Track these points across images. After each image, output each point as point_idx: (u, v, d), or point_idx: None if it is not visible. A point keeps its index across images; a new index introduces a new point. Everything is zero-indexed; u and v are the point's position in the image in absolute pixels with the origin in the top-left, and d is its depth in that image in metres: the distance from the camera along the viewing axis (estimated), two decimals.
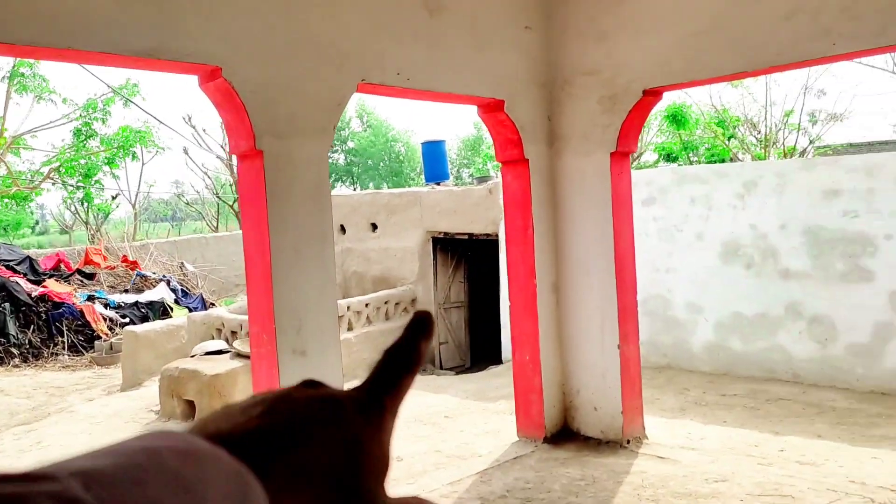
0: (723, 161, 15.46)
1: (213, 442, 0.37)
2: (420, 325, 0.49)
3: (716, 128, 16.33)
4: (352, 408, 0.44)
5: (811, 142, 17.82)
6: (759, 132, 17.44)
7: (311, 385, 0.46)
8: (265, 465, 0.38)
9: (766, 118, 17.02)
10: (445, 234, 10.55)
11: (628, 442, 5.64)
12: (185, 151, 25.15)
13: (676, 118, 15.96)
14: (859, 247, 7.16)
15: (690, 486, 4.74)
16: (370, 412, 0.45)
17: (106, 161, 17.97)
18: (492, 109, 5.56)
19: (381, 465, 0.44)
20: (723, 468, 5.09)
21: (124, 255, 16.11)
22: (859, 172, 7.15)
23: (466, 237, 10.37)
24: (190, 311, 13.08)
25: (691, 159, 17.00)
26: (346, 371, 8.56)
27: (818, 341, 7.46)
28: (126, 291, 14.73)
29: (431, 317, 0.50)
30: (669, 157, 17.23)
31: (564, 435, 5.90)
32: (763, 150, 16.37)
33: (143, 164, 24.81)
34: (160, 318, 12.71)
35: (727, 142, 16.53)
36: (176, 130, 28.13)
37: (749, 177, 7.90)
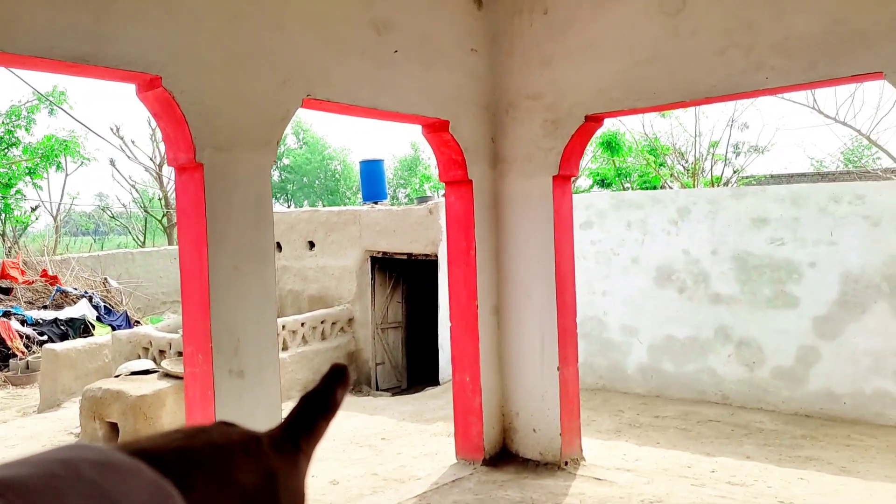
0: (654, 188, 15.92)
1: (134, 456, 0.36)
2: (337, 375, 0.51)
3: (648, 155, 16.83)
4: (268, 444, 0.45)
5: (735, 172, 18.55)
6: (687, 161, 18.05)
7: (226, 425, 0.46)
8: (187, 479, 0.37)
9: (694, 148, 17.65)
10: (384, 253, 10.47)
11: (566, 463, 5.66)
12: (112, 163, 24.33)
13: (611, 145, 16.37)
14: (785, 273, 7.44)
15: None
16: (285, 451, 0.46)
17: (28, 171, 17.18)
18: (436, 129, 5.56)
19: (297, 499, 0.44)
20: (658, 489, 5.16)
21: (44, 270, 15.37)
22: (786, 202, 7.45)
23: (405, 257, 10.31)
24: (113, 328, 12.55)
25: (624, 186, 17.45)
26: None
27: (746, 364, 7.70)
28: (45, 307, 14.04)
29: (347, 368, 0.52)
30: (603, 183, 17.63)
31: (503, 457, 5.88)
32: (691, 179, 16.94)
33: (67, 175, 23.86)
34: (81, 336, 12.14)
35: (658, 169, 17.04)
36: (105, 139, 27.14)
37: (683, 203, 8.13)
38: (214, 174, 3.91)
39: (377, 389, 10.32)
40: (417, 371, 11.18)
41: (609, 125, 16.77)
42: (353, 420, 8.00)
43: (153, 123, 25.57)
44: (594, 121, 5.53)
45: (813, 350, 7.29)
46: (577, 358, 5.96)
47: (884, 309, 6.91)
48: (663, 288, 8.23)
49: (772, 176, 19.87)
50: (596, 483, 5.33)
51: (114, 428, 7.17)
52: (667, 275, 8.20)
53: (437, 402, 8.76)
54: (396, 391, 10.39)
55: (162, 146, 24.35)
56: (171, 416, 7.22)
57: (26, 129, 16.41)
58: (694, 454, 6.23)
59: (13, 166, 16.81)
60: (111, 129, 25.64)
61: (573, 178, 5.93)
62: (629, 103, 5.22)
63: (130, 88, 3.89)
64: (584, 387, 7.81)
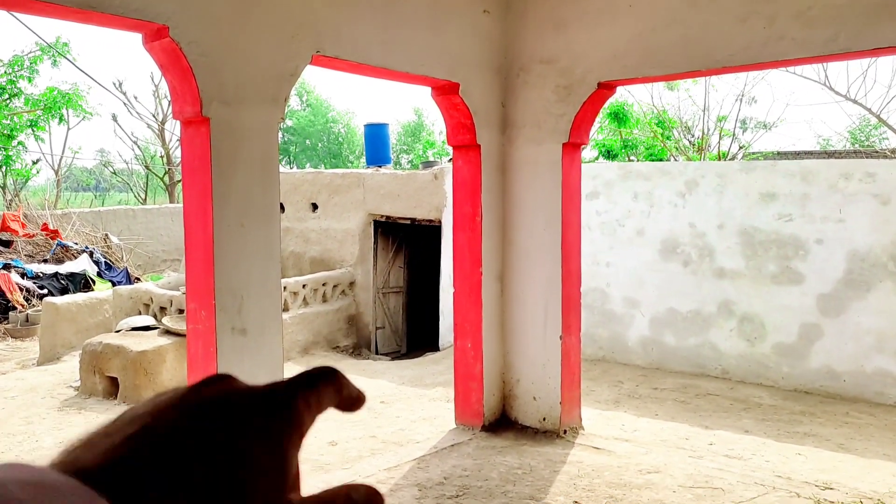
0: (660, 161, 15.80)
1: (70, 473, 0.33)
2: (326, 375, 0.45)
3: (655, 127, 16.66)
4: (253, 409, 0.40)
5: (741, 148, 18.39)
6: (694, 136, 17.88)
7: (219, 380, 0.42)
8: (130, 495, 0.34)
9: (701, 122, 17.47)
10: (388, 217, 10.41)
11: (565, 432, 5.68)
12: (115, 118, 24.12)
13: (618, 116, 16.18)
14: (791, 249, 7.39)
15: (625, 477, 4.79)
16: (280, 408, 0.41)
17: (30, 123, 17.02)
18: (446, 92, 5.46)
19: (277, 472, 0.39)
20: (655, 459, 5.17)
21: (44, 223, 15.31)
22: (795, 178, 7.37)
23: (409, 222, 10.25)
24: (114, 284, 12.54)
25: (630, 158, 17.31)
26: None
27: (748, 339, 7.69)
28: (45, 261, 14.02)
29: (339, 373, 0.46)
30: (609, 155, 17.48)
31: (502, 423, 5.89)
32: (697, 154, 16.79)
33: (69, 128, 23.68)
34: (81, 291, 12.13)
35: (664, 142, 16.89)
36: (108, 89, 26.86)
37: (691, 176, 8.05)
38: (221, 129, 3.84)
39: (377, 353, 10.34)
40: (417, 337, 11.20)
41: (618, 95, 16.58)
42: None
43: (156, 79, 25.29)
44: (607, 88, 5.43)
45: (815, 327, 7.28)
46: (580, 328, 5.93)
47: (889, 288, 6.87)
48: (668, 261, 8.19)
49: (778, 153, 19.70)
50: (594, 452, 5.34)
51: (113, 382, 7.19)
52: (672, 248, 8.15)
53: (436, 367, 8.78)
54: (396, 356, 10.42)
55: (165, 103, 24.13)
56: (172, 373, 7.23)
57: (28, 80, 16.20)
58: (692, 426, 6.25)
59: (15, 118, 16.64)
60: (114, 84, 25.40)
61: (582, 147, 5.85)
62: (644, 71, 5.11)
63: (136, 39, 3.80)
64: (584, 357, 7.81)
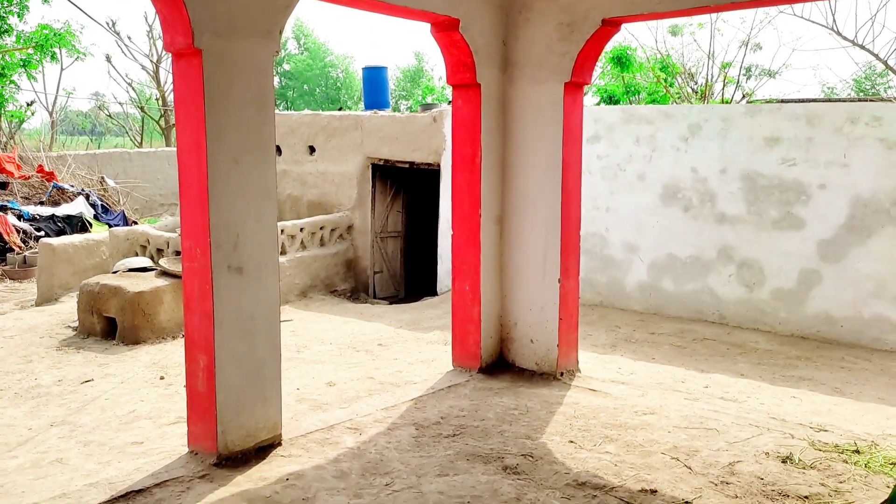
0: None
1: None
2: None
3: (659, 72, 16.37)
4: None
5: (745, 96, 18.12)
6: (697, 83, 17.59)
7: None
8: None
9: (706, 69, 17.16)
10: (386, 161, 10.29)
11: (562, 374, 5.70)
12: (108, 59, 23.70)
13: (621, 60, 15.90)
14: (794, 195, 7.32)
15: (621, 418, 4.82)
16: None
17: (22, 62, 16.68)
18: (445, 28, 5.31)
19: None
20: (651, 402, 5.20)
21: (40, 165, 15.15)
22: (800, 121, 7.25)
23: (407, 166, 10.14)
24: (110, 227, 12.48)
25: (632, 104, 17.06)
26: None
27: (746, 285, 7.68)
28: (41, 203, 13.93)
29: None
30: (611, 100, 17.23)
31: (500, 366, 5.92)
32: (701, 101, 16.55)
33: (63, 68, 23.27)
34: (78, 234, 12.08)
35: (668, 88, 16.62)
36: (101, 24, 26.31)
37: (694, 120, 7.92)
38: (214, 62, 3.73)
39: (375, 298, 10.35)
40: (415, 281, 11.20)
41: (621, 38, 16.25)
42: (350, 326, 8.04)
43: (150, 19, 24.75)
44: (611, 25, 5.28)
45: (815, 273, 7.26)
46: (579, 272, 5.90)
47: (890, 234, 6.83)
48: (668, 206, 8.12)
49: (782, 101, 19.41)
50: (590, 393, 5.37)
51: (111, 323, 7.19)
52: (673, 193, 8.08)
53: (434, 311, 8.79)
54: (394, 300, 10.43)
55: (159, 44, 23.67)
56: (169, 314, 7.23)
57: (19, 17, 15.81)
58: (688, 370, 6.28)
59: (6, 56, 16.30)
60: (107, 24, 24.87)
61: (585, 87, 5.72)
62: (649, 6, 4.96)
63: None
64: (582, 302, 7.82)
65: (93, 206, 14.15)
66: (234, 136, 3.84)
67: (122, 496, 3.50)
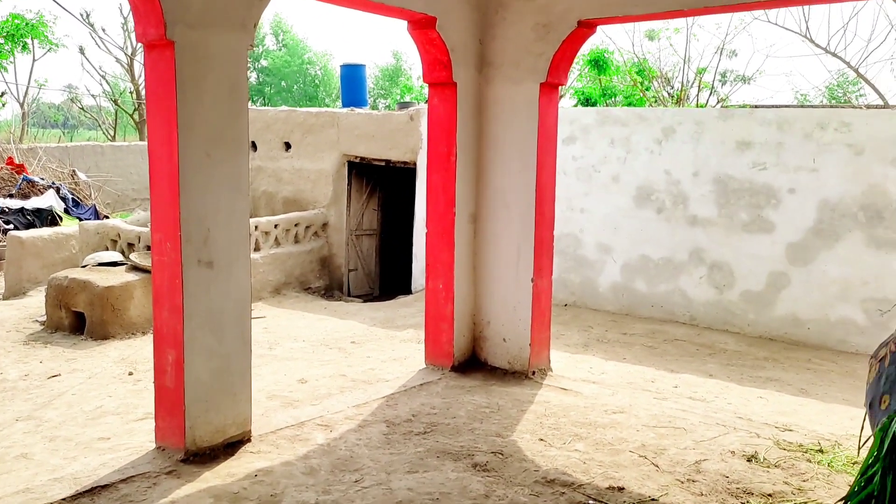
0: None
1: None
2: None
3: (635, 76, 16.51)
4: None
5: (720, 101, 18.35)
6: (673, 87, 17.79)
7: None
8: None
9: (682, 73, 17.36)
10: (362, 158, 10.26)
11: (534, 373, 5.73)
12: (82, 51, 23.36)
13: (598, 63, 16.00)
14: (764, 198, 7.43)
15: (591, 416, 4.86)
16: None
17: None
18: (422, 26, 5.31)
19: None
20: (621, 401, 5.25)
21: (9, 157, 14.90)
22: (772, 126, 7.36)
23: (383, 164, 10.12)
24: (81, 221, 12.30)
25: (609, 106, 17.19)
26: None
27: (716, 287, 7.78)
28: (11, 196, 13.68)
29: None
30: (588, 103, 17.34)
31: (472, 364, 5.93)
32: (676, 105, 16.72)
33: (35, 59, 22.89)
34: (48, 227, 11.88)
35: (644, 92, 16.78)
36: (76, 16, 25.94)
37: (668, 123, 8.00)
38: (186, 54, 3.69)
39: (349, 295, 10.32)
40: (390, 280, 11.19)
41: (598, 41, 16.36)
42: (324, 323, 8.01)
43: (125, 11, 24.44)
44: (587, 26, 5.31)
45: (783, 276, 7.37)
46: (552, 271, 5.94)
47: (858, 238, 6.96)
48: (642, 208, 8.19)
49: (755, 107, 19.69)
50: (561, 392, 5.40)
51: (80, 317, 7.09)
52: (646, 195, 8.16)
53: (408, 309, 8.79)
54: (368, 298, 10.41)
55: (134, 37, 23.36)
56: (140, 309, 7.14)
57: None
58: (658, 370, 6.35)
59: None
60: (80, 15, 24.52)
61: (561, 88, 5.75)
62: (625, 9, 5.00)
63: None
64: (556, 302, 7.86)
65: (63, 199, 13.93)
66: (207, 130, 3.81)
67: (86, 491, 3.46)
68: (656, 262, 8.15)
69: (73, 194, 14.47)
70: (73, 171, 15.83)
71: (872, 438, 2.31)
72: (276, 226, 9.57)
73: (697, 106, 16.92)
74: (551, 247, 5.87)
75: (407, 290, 10.06)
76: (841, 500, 2.09)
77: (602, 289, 8.56)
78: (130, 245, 8.65)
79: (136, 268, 7.46)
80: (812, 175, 7.16)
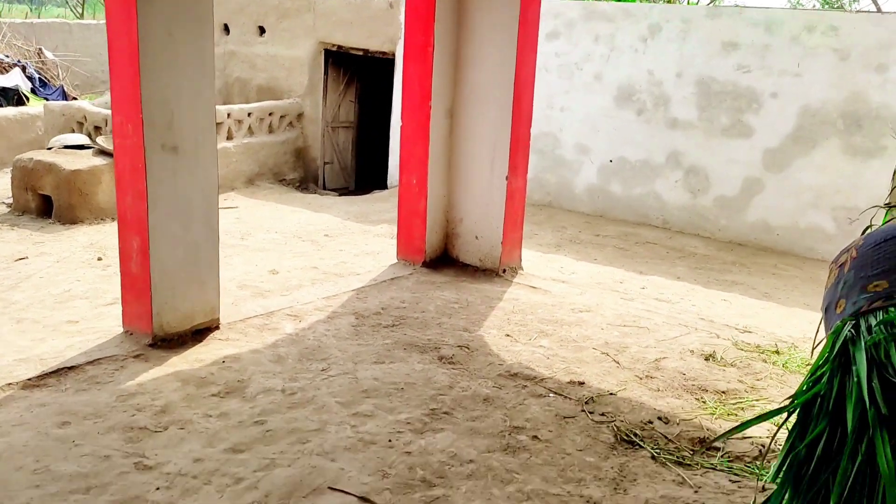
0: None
1: None
2: None
3: None
4: None
5: (712, 1, 17.81)
6: None
7: None
8: None
9: None
10: (339, 47, 9.91)
11: (504, 271, 5.77)
12: None
13: None
14: (746, 102, 7.34)
15: (558, 314, 4.94)
16: None
17: None
18: None
19: None
20: (589, 300, 5.34)
21: None
22: (759, 27, 7.18)
23: (362, 53, 9.79)
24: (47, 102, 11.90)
25: None
26: (223, 182, 8.18)
27: (691, 191, 7.79)
28: None
29: None
30: None
31: (443, 261, 5.96)
32: (667, 1, 16.20)
33: None
34: (13, 107, 11.48)
35: None
36: None
37: (655, 20, 7.77)
38: None
39: (324, 189, 10.22)
40: (366, 174, 11.07)
41: None
42: (297, 216, 7.96)
43: None
44: None
45: (758, 182, 7.39)
46: (527, 170, 5.88)
47: (835, 146, 6.95)
48: (622, 108, 8.07)
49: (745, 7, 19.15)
50: (530, 290, 5.47)
51: (47, 201, 6.97)
52: (628, 95, 8.01)
53: (383, 205, 8.74)
54: (343, 192, 10.32)
55: None
56: (108, 195, 7.02)
57: None
58: (628, 271, 6.44)
59: None
60: None
61: None
62: None
63: None
64: (531, 202, 7.86)
65: (30, 78, 13.41)
66: (167, 5, 3.60)
67: (53, 372, 3.49)
68: (633, 165, 8.11)
69: (39, 74, 13.93)
70: (40, 49, 15.15)
71: (825, 341, 2.36)
72: (249, 114, 9.32)
73: (688, 3, 16.43)
74: (527, 145, 5.79)
75: (383, 185, 9.98)
76: (789, 397, 2.15)
77: (578, 190, 8.55)
78: (97, 128, 8.41)
79: (102, 152, 7.28)
80: (796, 80, 7.05)
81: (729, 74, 7.37)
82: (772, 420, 2.92)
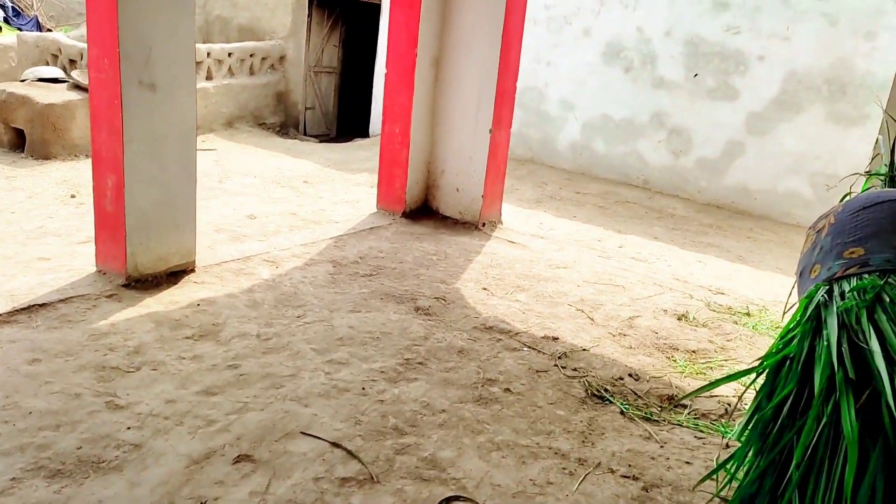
0: None
1: None
2: None
3: None
4: None
5: None
6: None
7: None
8: None
9: None
10: None
11: (484, 225, 5.77)
12: None
13: None
14: (733, 64, 7.30)
15: (535, 269, 4.97)
16: None
17: None
18: None
19: None
20: (566, 257, 5.36)
21: None
22: None
23: None
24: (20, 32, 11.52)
25: None
26: (202, 123, 8.03)
27: (673, 152, 7.79)
28: None
29: None
30: None
31: (423, 212, 5.93)
32: None
33: None
34: None
35: None
36: None
37: None
38: None
39: (305, 134, 10.08)
40: (348, 121, 10.92)
41: None
42: (276, 160, 7.85)
43: None
44: None
45: (739, 145, 7.40)
46: (511, 124, 5.83)
47: (818, 112, 6.96)
48: (610, 65, 7.99)
49: None
50: (509, 245, 5.48)
51: (20, 135, 6.79)
52: (616, 52, 7.93)
53: (364, 153, 8.65)
54: (324, 139, 10.18)
55: None
56: (83, 131, 6.86)
57: None
58: (606, 230, 6.46)
59: None
60: None
61: None
62: None
63: None
64: (513, 157, 7.82)
65: (2, 7, 12.96)
66: None
67: (24, 308, 3.44)
68: (617, 123, 8.07)
69: (13, 3, 13.45)
70: None
71: (798, 305, 2.39)
72: (229, 54, 9.10)
73: None
74: (513, 98, 5.73)
75: (365, 134, 9.86)
76: (759, 359, 2.18)
77: (561, 146, 8.51)
78: (72, 62, 8.16)
79: (77, 86, 7.08)
80: (784, 43, 7.01)
81: (718, 35, 7.31)
82: (739, 380, 2.97)
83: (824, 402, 2.06)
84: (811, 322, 2.30)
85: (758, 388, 2.32)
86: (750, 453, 2.23)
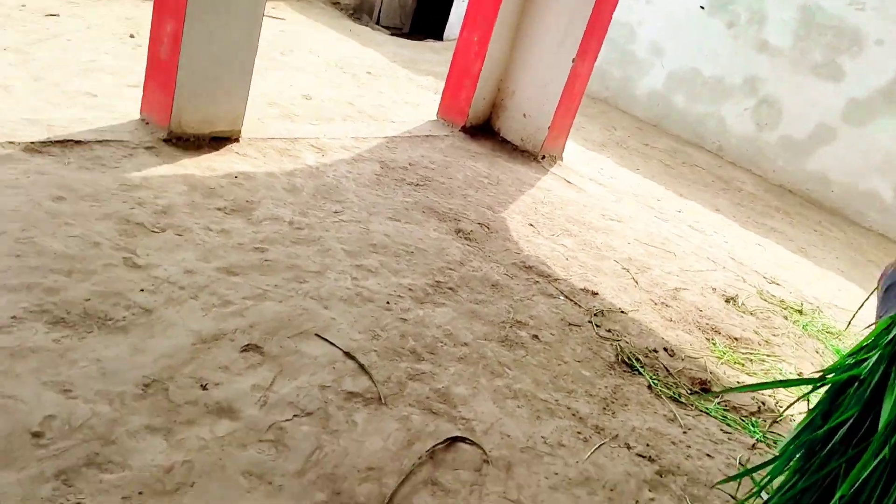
0: None
1: None
2: None
3: None
4: None
5: None
6: None
7: None
8: None
9: None
10: None
11: (544, 157, 5.48)
12: None
13: None
14: (847, 42, 6.71)
15: (587, 216, 4.71)
16: None
17: None
18: None
19: None
20: (622, 210, 5.08)
21: None
22: None
23: None
24: None
25: None
26: None
27: (758, 123, 7.31)
28: None
29: None
30: None
31: (483, 130, 5.65)
32: None
33: None
34: None
35: None
36: None
37: None
38: None
39: (377, 24, 9.65)
40: (424, 19, 10.43)
41: None
42: (344, 45, 7.52)
43: None
44: None
45: (831, 130, 6.90)
46: (596, 57, 5.44)
47: None
48: (713, 16, 7.42)
49: None
50: (565, 184, 5.20)
51: None
52: (724, 2, 7.34)
53: (435, 56, 8.27)
54: (396, 32, 9.75)
55: None
56: None
57: None
58: (668, 190, 6.12)
59: None
60: None
61: None
62: None
63: None
64: (587, 93, 7.40)
65: None
66: None
67: (59, 141, 3.30)
68: (705, 80, 7.56)
69: None
70: None
71: (878, 323, 2.12)
72: None
73: None
74: (605, 31, 5.32)
75: (439, 36, 9.43)
76: (819, 371, 1.95)
77: (639, 92, 8.04)
78: None
79: None
80: None
81: (838, 7, 6.70)
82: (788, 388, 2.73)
83: (888, 435, 1.84)
84: (892, 346, 2.06)
85: (809, 400, 2.11)
86: (788, 468, 2.04)
